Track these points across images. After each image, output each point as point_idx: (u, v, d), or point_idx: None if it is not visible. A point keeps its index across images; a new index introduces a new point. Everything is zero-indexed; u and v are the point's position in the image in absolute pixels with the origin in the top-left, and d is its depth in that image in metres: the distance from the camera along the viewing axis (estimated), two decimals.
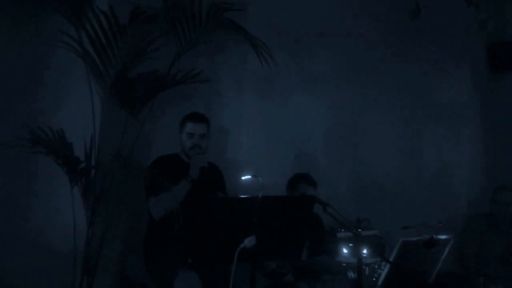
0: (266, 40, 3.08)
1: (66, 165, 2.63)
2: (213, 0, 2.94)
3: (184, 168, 2.78)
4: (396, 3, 3.56)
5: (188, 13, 2.89)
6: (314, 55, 3.61)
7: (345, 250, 2.79)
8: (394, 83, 3.80)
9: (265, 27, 3.35)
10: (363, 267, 2.55)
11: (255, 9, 3.30)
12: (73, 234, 2.60)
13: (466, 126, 4.02)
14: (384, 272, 2.63)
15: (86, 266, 2.65)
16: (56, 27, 2.75)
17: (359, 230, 2.62)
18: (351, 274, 2.74)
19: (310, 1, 3.58)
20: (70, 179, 2.65)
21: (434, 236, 2.65)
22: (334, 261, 2.96)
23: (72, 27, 2.74)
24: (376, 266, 2.65)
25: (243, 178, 2.43)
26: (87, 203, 2.68)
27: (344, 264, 2.89)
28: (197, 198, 2.74)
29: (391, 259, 2.58)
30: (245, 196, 2.30)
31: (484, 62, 4.09)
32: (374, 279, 2.63)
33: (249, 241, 2.17)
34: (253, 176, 2.39)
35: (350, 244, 2.74)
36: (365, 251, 2.66)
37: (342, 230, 2.73)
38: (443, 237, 2.69)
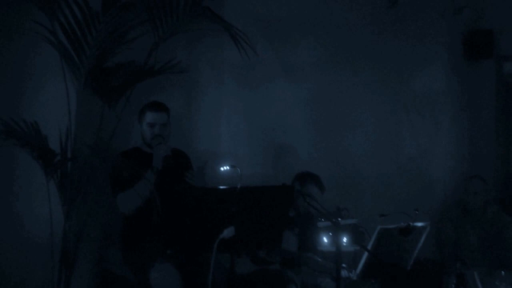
0: (245, 29, 3.06)
1: (41, 158, 2.59)
2: None
3: (147, 159, 2.72)
4: None
5: (165, 2, 2.84)
6: (294, 44, 3.60)
7: (325, 239, 2.82)
8: (373, 72, 3.81)
9: (244, 16, 3.32)
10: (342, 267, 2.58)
11: None
12: (50, 227, 2.57)
13: (443, 114, 4.06)
14: (362, 260, 2.67)
15: (64, 259, 2.63)
16: (29, 18, 2.68)
17: (339, 219, 2.65)
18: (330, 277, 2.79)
19: None
20: (45, 172, 2.61)
21: (411, 224, 2.69)
22: (316, 258, 3.01)
23: (46, 18, 2.67)
24: (352, 274, 2.69)
25: (221, 169, 2.43)
26: (64, 196, 2.65)
27: (320, 260, 2.94)
28: (170, 187, 2.70)
29: (369, 246, 2.61)
30: (223, 187, 2.29)
31: (460, 51, 4.11)
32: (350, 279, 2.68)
33: (228, 232, 2.17)
34: (232, 166, 2.39)
35: (330, 233, 2.78)
36: (344, 239, 2.70)
37: (322, 220, 2.75)
38: (420, 224, 2.74)
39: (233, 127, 3.44)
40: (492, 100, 4.17)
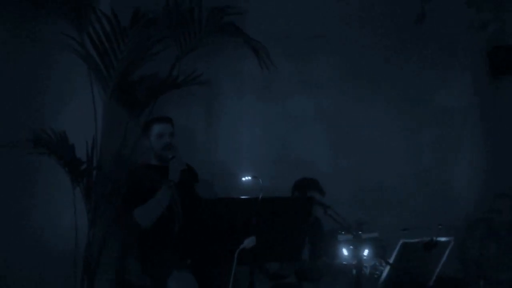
0: (265, 44, 3.10)
1: (68, 166, 2.65)
2: (214, 3, 2.97)
3: (159, 172, 2.76)
4: (397, 8, 3.58)
5: (188, 17, 2.92)
6: (314, 59, 3.63)
7: (345, 252, 2.79)
8: (395, 86, 3.81)
9: (264, 31, 3.37)
10: (364, 266, 2.55)
11: (254, 13, 3.33)
12: (74, 235, 2.61)
13: (467, 130, 4.02)
14: (384, 274, 2.63)
15: (87, 268, 2.66)
16: (58, 30, 2.77)
17: (360, 232, 2.62)
18: (353, 272, 2.73)
19: (310, 5, 3.60)
20: (71, 180, 2.66)
21: (434, 238, 2.65)
22: (335, 263, 2.96)
23: (75, 30, 2.76)
24: (378, 264, 2.64)
25: (243, 179, 2.44)
26: (89, 204, 2.69)
27: (344, 263, 2.89)
28: (191, 200, 2.74)
29: (391, 261, 2.58)
30: (245, 197, 2.31)
31: (485, 66, 4.09)
32: (375, 276, 2.63)
33: (248, 242, 2.17)
34: (253, 177, 2.40)
35: (351, 247, 2.75)
36: (365, 253, 2.67)
37: (343, 233, 2.73)
38: (443, 239, 2.69)
39: (252, 139, 3.47)
40: None
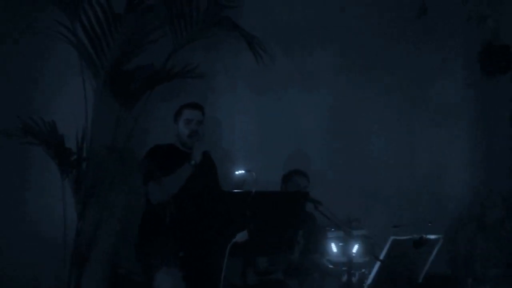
0: (262, 37, 3.08)
1: (57, 157, 2.61)
2: None
3: (180, 157, 2.75)
4: (394, 3, 3.57)
5: (186, 8, 2.88)
6: (310, 52, 3.61)
7: (335, 249, 2.80)
8: (390, 82, 3.81)
9: (261, 24, 3.34)
10: (352, 272, 2.56)
11: (251, 4, 3.30)
12: (64, 227, 2.58)
13: (459, 127, 4.05)
14: (373, 271, 2.64)
15: (76, 258, 2.63)
16: (50, 17, 2.72)
17: (350, 229, 2.63)
18: (344, 277, 2.75)
19: (307, 0, 3.58)
20: (61, 170, 2.63)
21: (424, 236, 2.67)
22: (325, 261, 2.98)
23: (67, 17, 2.71)
24: (366, 272, 2.66)
25: (236, 173, 2.43)
26: (78, 195, 2.66)
27: (331, 267, 2.91)
28: (195, 187, 2.72)
29: (381, 257, 2.59)
30: (238, 191, 2.29)
31: (478, 65, 4.11)
32: (364, 284, 2.64)
33: (241, 236, 2.16)
34: (247, 171, 2.39)
35: (340, 243, 2.76)
36: (355, 250, 2.67)
37: (333, 229, 2.74)
38: (433, 237, 2.71)
39: (248, 133, 3.45)
40: (508, 115, 4.15)
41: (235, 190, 2.33)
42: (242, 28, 3.06)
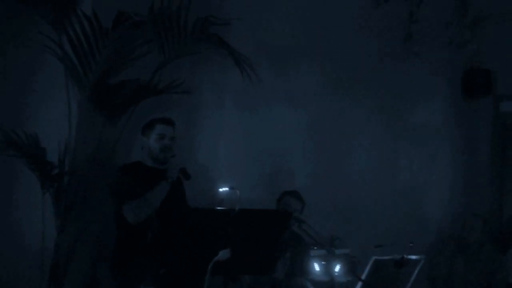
0: (249, 54, 3.10)
1: (38, 170, 2.57)
2: (199, 12, 2.96)
3: (152, 174, 2.69)
4: (379, 26, 3.64)
5: (174, 24, 2.89)
6: (296, 70, 3.65)
7: (317, 268, 2.79)
8: (374, 101, 3.86)
9: (249, 42, 3.37)
10: None
11: (239, 22, 3.33)
12: (43, 241, 2.53)
13: (440, 148, 4.11)
14: None
15: (54, 274, 2.58)
16: (37, 30, 2.70)
17: (332, 248, 2.63)
18: None
19: (294, 18, 3.63)
20: (42, 184, 2.59)
21: (405, 256, 2.68)
22: (307, 283, 2.97)
23: (53, 30, 2.70)
24: None
25: (220, 190, 2.42)
26: (58, 209, 2.62)
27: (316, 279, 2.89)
28: (172, 205, 2.68)
29: (363, 277, 2.59)
30: (221, 208, 2.28)
31: (460, 88, 4.20)
32: None
33: (223, 254, 2.15)
34: (231, 188, 2.38)
35: (323, 262, 2.75)
36: (337, 269, 2.67)
37: (316, 248, 2.73)
38: (414, 257, 2.73)
39: (232, 150, 3.45)
40: (488, 138, 4.25)
41: (218, 208, 2.32)
42: (230, 45, 3.08)
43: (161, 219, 2.54)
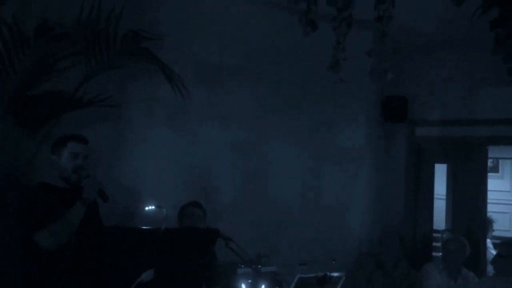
0: (181, 72, 3.09)
1: None
2: (132, 27, 2.90)
3: (60, 195, 2.53)
4: (308, 52, 3.78)
5: (102, 36, 2.81)
6: (228, 89, 3.68)
7: (243, 286, 2.79)
8: (303, 124, 4.00)
9: (181, 59, 3.36)
10: None
11: (172, 38, 3.31)
12: None
13: (361, 170, 4.34)
14: None
15: None
16: None
17: (259, 266, 2.65)
18: None
19: (227, 38, 3.67)
20: None
21: (328, 274, 2.76)
22: None
23: None
24: None
25: (146, 208, 2.36)
26: None
27: None
28: (88, 224, 2.53)
29: None
30: (147, 227, 2.23)
31: (380, 113, 4.50)
32: None
33: (146, 275, 2.09)
34: (157, 206, 2.33)
35: (249, 280, 2.76)
36: (263, 287, 2.69)
37: (242, 266, 2.74)
38: (336, 274, 2.82)
39: (160, 167, 3.39)
40: (403, 160, 4.57)
41: (144, 227, 2.26)
42: (161, 61, 3.04)
43: (78, 240, 2.41)
